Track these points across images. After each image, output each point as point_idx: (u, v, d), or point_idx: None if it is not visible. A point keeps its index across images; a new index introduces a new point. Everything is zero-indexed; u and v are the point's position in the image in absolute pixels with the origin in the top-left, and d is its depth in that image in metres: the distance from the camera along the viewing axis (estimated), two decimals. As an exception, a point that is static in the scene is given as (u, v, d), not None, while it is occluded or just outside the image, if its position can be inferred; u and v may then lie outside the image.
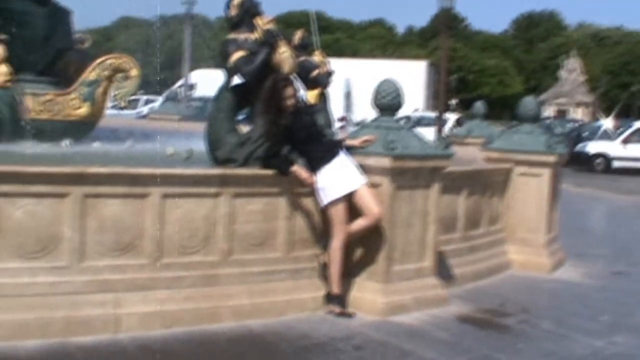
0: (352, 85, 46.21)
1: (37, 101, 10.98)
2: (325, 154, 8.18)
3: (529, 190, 11.34)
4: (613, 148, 35.61)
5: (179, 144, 10.79)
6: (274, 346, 7.26)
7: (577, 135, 40.65)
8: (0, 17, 11.05)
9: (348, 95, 46.11)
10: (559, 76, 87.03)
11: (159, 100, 40.02)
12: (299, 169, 8.11)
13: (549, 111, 77.34)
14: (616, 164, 35.23)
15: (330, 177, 8.08)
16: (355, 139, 8.57)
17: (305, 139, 8.24)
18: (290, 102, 8.21)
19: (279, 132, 8.16)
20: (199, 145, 9.67)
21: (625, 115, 67.30)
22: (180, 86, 45.31)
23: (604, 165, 35.39)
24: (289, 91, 8.25)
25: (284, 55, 9.14)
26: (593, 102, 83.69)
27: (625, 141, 35.61)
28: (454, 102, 75.18)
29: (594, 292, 10.28)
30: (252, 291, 7.99)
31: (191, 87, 44.56)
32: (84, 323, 7.07)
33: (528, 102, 12.10)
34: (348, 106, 46.34)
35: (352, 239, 8.30)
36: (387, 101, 8.73)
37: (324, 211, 8.30)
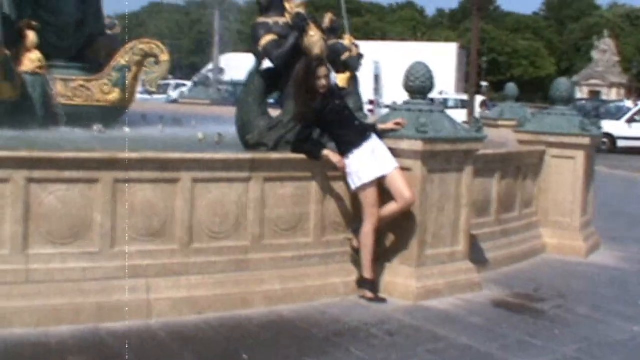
0: (381, 68, 46.03)
1: (69, 87, 11.05)
2: (356, 138, 8.08)
3: (563, 173, 11.17)
4: (618, 127, 35.03)
5: (210, 129, 10.77)
6: (306, 331, 7.19)
7: (596, 115, 40.22)
8: (32, 4, 11.08)
9: (377, 79, 45.95)
10: (591, 57, 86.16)
11: (189, 84, 40.00)
12: (330, 153, 8.04)
13: (582, 93, 76.69)
14: (621, 143, 34.83)
15: (361, 161, 7.99)
16: (386, 123, 8.49)
17: (336, 122, 8.16)
18: (323, 82, 8.12)
19: (311, 115, 8.09)
20: (230, 130, 9.63)
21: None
22: (209, 70, 45.30)
23: (609, 145, 34.66)
24: (322, 71, 8.15)
25: (314, 38, 9.07)
26: (627, 83, 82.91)
27: (630, 120, 35.22)
28: (485, 84, 74.79)
29: (631, 276, 10.14)
30: (284, 276, 7.94)
31: (220, 71, 44.53)
32: (115, 309, 7.05)
33: (561, 84, 11.88)
34: (377, 89, 46.19)
35: (383, 223, 8.21)
36: (419, 84, 8.62)
37: (355, 195, 8.23)
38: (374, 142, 8.12)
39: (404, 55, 39.06)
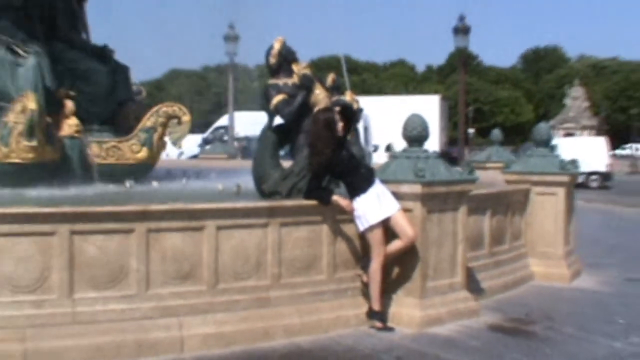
0: (370, 120, 46.12)
1: (102, 148, 11.09)
2: (362, 184, 8.10)
3: (546, 208, 11.23)
4: None
5: (228, 180, 10.78)
6: (322, 359, 7.19)
7: None
8: (69, 76, 11.19)
9: (366, 129, 45.99)
10: (564, 103, 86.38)
11: (198, 142, 39.49)
12: (339, 198, 8.06)
13: (558, 135, 76.83)
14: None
15: (368, 205, 8.00)
16: (386, 171, 8.51)
17: (345, 170, 8.19)
18: (340, 127, 8.19)
19: (324, 163, 8.10)
20: (246, 180, 9.66)
21: (625, 135, 66.42)
22: (219, 127, 45.20)
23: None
24: (337, 118, 8.23)
25: (320, 96, 9.17)
26: (597, 124, 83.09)
27: None
28: (471, 131, 74.75)
29: (610, 298, 10.12)
30: (301, 311, 7.92)
31: (225, 128, 44.44)
32: (152, 345, 7.05)
33: (541, 129, 12.00)
34: (367, 139, 46.19)
35: (389, 259, 8.21)
36: (416, 133, 8.68)
37: (362, 235, 8.23)
38: (378, 187, 8.14)
39: (390, 108, 39.18)
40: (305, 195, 8.24)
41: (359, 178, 8.16)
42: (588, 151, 33.67)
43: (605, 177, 35.80)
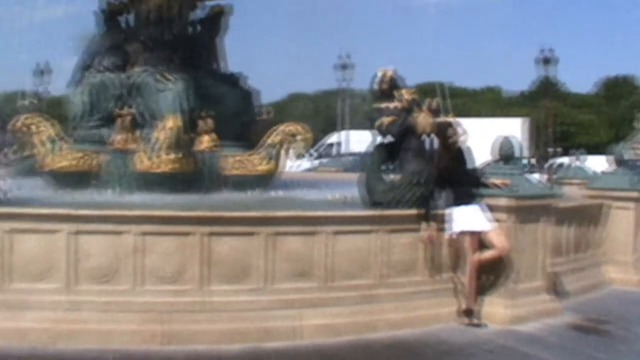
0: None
1: (233, 160, 11.30)
2: (466, 197, 8.10)
3: (620, 220, 11.03)
4: None
5: (338, 191, 10.84)
6: (421, 350, 7.21)
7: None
8: (206, 99, 11.51)
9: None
10: (636, 126, 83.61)
11: (307, 156, 39.65)
12: (432, 226, 8.08)
13: (628, 154, 74.22)
14: None
15: (464, 214, 8.01)
16: (496, 180, 8.45)
17: (456, 180, 8.18)
18: (454, 140, 8.24)
19: (442, 172, 8.17)
20: (353, 192, 9.71)
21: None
22: (327, 145, 45.40)
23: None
24: (451, 132, 8.30)
25: (423, 119, 9.13)
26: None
27: None
28: (558, 149, 72.79)
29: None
30: (402, 307, 7.91)
31: (335, 145, 44.59)
32: (274, 332, 7.18)
33: (617, 150, 12.01)
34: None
35: (483, 264, 8.13)
36: (507, 153, 8.64)
37: (460, 241, 8.17)
38: (479, 203, 8.12)
39: (478, 130, 38.50)
40: (418, 204, 8.25)
41: (465, 192, 8.14)
42: None
43: None
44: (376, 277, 7.85)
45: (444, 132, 8.35)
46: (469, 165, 8.49)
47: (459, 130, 8.36)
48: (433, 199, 8.20)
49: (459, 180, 8.18)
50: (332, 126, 47.08)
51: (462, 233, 8.02)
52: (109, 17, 12.57)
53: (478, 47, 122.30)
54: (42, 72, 28.10)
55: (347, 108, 46.94)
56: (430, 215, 8.07)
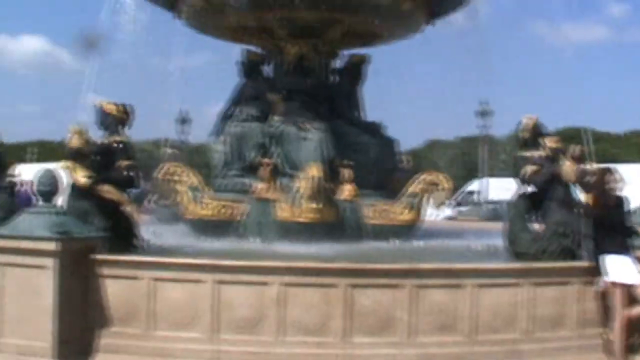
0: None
1: (373, 210, 11.34)
2: (617, 247, 7.78)
3: None
4: None
5: (481, 240, 10.64)
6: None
7: None
8: (346, 148, 11.65)
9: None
10: None
11: (448, 204, 38.80)
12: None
13: None
14: None
15: (613, 264, 7.67)
16: None
17: (611, 228, 7.91)
18: (613, 187, 8.00)
19: (597, 219, 7.95)
20: (496, 242, 9.50)
21: None
22: (468, 192, 44.71)
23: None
24: (611, 178, 8.07)
25: (567, 167, 8.88)
26: None
27: None
28: None
29: None
30: (549, 363, 7.61)
31: (471, 193, 43.79)
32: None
33: None
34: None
35: (633, 321, 7.71)
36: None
37: (606, 295, 7.80)
38: (631, 254, 7.77)
39: (626, 175, 36.74)
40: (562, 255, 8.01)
41: (618, 242, 7.84)
42: None
43: None
44: (522, 331, 7.59)
45: (603, 178, 8.03)
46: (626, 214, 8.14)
47: (617, 176, 8.03)
48: (581, 250, 7.91)
49: (615, 228, 7.84)
50: (471, 173, 46.35)
51: (613, 285, 7.66)
52: (250, 67, 13.04)
53: (618, 89, 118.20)
54: (183, 120, 29.37)
55: (485, 155, 46.11)
56: (599, 267, 7.78)
